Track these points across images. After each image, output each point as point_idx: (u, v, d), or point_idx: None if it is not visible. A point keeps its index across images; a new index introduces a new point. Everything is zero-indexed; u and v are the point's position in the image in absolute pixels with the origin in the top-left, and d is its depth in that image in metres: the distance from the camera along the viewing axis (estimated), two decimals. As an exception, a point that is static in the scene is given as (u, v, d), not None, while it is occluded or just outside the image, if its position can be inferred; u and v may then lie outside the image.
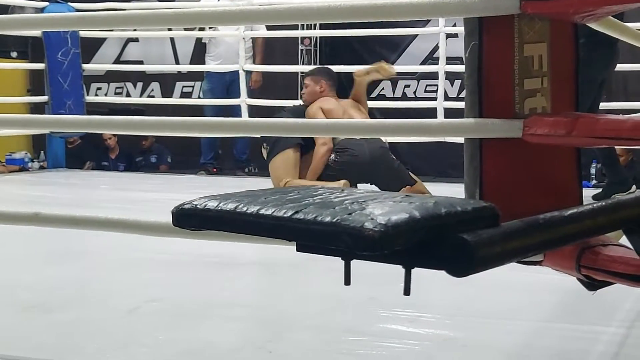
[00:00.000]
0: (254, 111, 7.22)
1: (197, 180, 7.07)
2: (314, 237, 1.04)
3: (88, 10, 7.40)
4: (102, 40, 8.81)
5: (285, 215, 1.06)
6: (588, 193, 2.71)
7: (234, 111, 7.40)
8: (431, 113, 6.64)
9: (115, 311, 2.86)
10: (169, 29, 8.50)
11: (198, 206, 1.14)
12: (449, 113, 6.53)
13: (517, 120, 2.10)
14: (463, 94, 6.86)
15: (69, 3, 7.36)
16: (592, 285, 2.17)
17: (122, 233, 2.49)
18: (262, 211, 1.09)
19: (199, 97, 8.38)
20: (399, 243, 1.02)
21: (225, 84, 7.52)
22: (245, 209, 1.10)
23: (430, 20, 7.60)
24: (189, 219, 1.15)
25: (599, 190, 5.74)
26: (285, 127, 2.38)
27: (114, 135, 8.23)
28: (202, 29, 7.48)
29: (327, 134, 2.71)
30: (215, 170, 7.62)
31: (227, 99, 7.43)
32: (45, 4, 7.33)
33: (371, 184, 5.12)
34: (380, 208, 1.06)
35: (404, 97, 8.11)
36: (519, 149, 2.16)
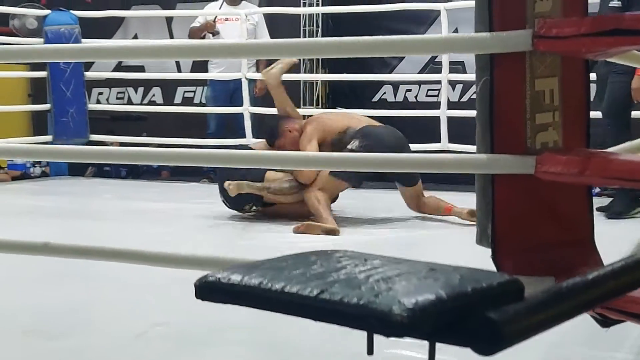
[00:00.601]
0: (257, 119, 7.20)
1: (199, 189, 7.07)
2: (341, 319, 1.04)
3: (89, 18, 7.41)
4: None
5: (311, 295, 1.06)
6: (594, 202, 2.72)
7: (237, 119, 7.39)
8: (434, 121, 6.64)
9: (119, 337, 2.84)
10: (171, 37, 8.52)
11: (222, 280, 1.13)
12: (452, 122, 6.53)
13: (529, 157, 2.10)
14: (464, 99, 6.90)
15: (71, 11, 7.33)
16: (605, 322, 2.17)
17: (130, 264, 2.47)
18: (287, 289, 1.08)
19: (201, 102, 8.37)
20: (426, 326, 1.02)
21: (229, 91, 7.50)
22: (270, 285, 1.10)
23: (432, 25, 7.61)
24: (213, 293, 1.14)
25: (603, 199, 5.74)
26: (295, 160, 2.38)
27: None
28: (204, 37, 7.45)
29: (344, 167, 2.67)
30: (211, 177, 7.62)
31: (231, 107, 7.40)
32: (47, 12, 7.31)
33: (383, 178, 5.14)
34: (407, 288, 1.06)
35: (405, 102, 8.09)
36: (531, 184, 2.16)
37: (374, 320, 1.00)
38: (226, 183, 5.03)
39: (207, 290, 1.16)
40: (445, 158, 2.18)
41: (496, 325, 1.04)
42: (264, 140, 5.52)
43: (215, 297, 1.15)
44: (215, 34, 7.37)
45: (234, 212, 5.44)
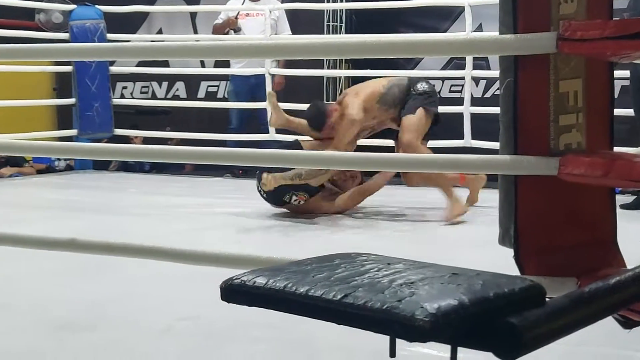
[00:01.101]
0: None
1: (223, 184, 7.10)
2: (365, 323, 1.06)
3: (114, 13, 7.46)
4: (127, 42, 8.85)
5: (334, 299, 1.08)
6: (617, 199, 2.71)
7: (260, 114, 7.42)
8: (457, 117, 6.63)
9: (147, 331, 2.88)
10: (195, 32, 8.55)
11: (247, 282, 1.15)
12: (475, 118, 6.52)
13: (552, 159, 2.11)
14: (488, 95, 6.86)
15: (96, 5, 7.38)
16: (626, 323, 2.18)
17: (156, 260, 2.50)
18: (312, 292, 1.10)
19: (224, 97, 8.40)
20: (449, 331, 1.03)
21: (250, 86, 7.53)
22: (294, 288, 1.12)
23: (456, 20, 7.59)
24: (238, 296, 1.17)
25: (626, 196, 5.71)
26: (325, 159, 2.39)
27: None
28: (227, 33, 7.49)
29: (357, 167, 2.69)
30: (241, 172, 7.65)
31: (252, 101, 7.43)
32: (73, 6, 7.37)
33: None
34: (429, 293, 1.08)
35: (429, 97, 8.07)
36: (553, 185, 2.17)
37: (397, 326, 1.02)
38: (264, 176, 5.00)
39: (232, 293, 1.18)
40: (470, 158, 2.19)
41: (517, 331, 1.06)
42: (310, 129, 5.46)
43: (240, 299, 1.17)
44: (237, 30, 7.41)
45: (258, 207, 5.48)
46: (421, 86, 5.24)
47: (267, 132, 7.12)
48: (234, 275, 1.19)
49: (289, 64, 7.28)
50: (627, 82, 7.16)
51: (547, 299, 1.20)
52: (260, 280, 1.16)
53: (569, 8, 2.13)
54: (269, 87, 7.11)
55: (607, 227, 2.33)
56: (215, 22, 7.59)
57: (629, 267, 2.37)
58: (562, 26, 2.03)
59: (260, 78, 7.28)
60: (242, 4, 7.43)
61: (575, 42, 1.98)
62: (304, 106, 7.08)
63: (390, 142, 5.65)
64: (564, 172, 2.07)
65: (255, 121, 7.62)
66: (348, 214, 5.20)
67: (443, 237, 4.73)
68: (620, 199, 4.69)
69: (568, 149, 2.18)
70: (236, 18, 7.38)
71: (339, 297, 1.08)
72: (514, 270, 2.20)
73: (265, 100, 7.16)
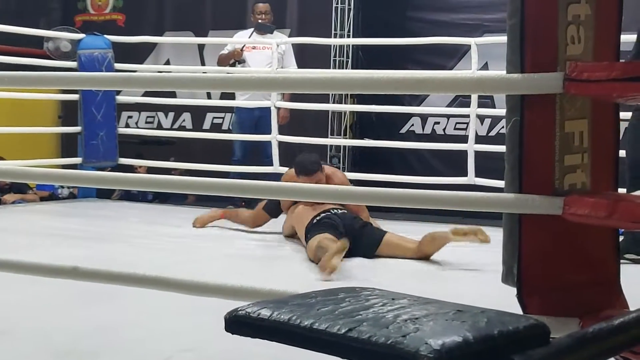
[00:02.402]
0: (283, 147, 7.25)
1: (225, 215, 7.10)
2: (369, 358, 1.06)
3: (122, 43, 7.51)
4: (134, 72, 8.90)
5: (339, 332, 1.08)
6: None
7: (264, 147, 7.45)
8: (461, 154, 6.65)
9: (147, 360, 2.88)
10: (202, 64, 8.61)
11: (251, 314, 1.15)
12: (479, 156, 6.54)
13: (557, 198, 2.11)
14: (493, 133, 6.86)
15: (105, 35, 7.44)
16: (629, 366, 2.17)
17: (158, 291, 2.50)
18: (316, 325, 1.10)
19: (229, 129, 8.45)
20: (452, 368, 1.03)
21: (254, 119, 7.58)
22: (299, 321, 1.12)
23: (462, 59, 7.64)
24: (242, 327, 1.17)
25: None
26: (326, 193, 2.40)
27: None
28: (233, 65, 7.55)
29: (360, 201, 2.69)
30: (243, 204, 7.65)
31: (256, 134, 7.47)
32: (82, 35, 7.42)
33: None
34: (434, 329, 1.08)
35: (433, 134, 8.12)
36: (557, 225, 2.17)
37: (402, 361, 1.02)
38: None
39: (237, 325, 1.18)
40: (474, 196, 2.20)
41: (521, 370, 1.06)
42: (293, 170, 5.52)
43: (245, 331, 1.17)
44: (241, 61, 7.48)
45: (260, 239, 5.49)
46: None
47: (272, 164, 7.15)
48: (239, 306, 1.20)
49: (294, 98, 7.32)
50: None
51: (551, 339, 1.21)
52: (265, 312, 1.16)
53: (576, 49, 2.15)
54: (274, 120, 7.14)
55: (610, 268, 2.33)
56: (220, 53, 7.67)
57: (631, 308, 2.37)
58: (569, 67, 2.05)
59: (264, 111, 7.33)
60: (250, 37, 7.49)
61: (582, 83, 2.00)
62: (309, 139, 7.15)
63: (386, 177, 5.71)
64: (568, 212, 2.08)
65: (258, 153, 7.65)
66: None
67: (445, 273, 4.72)
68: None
69: (572, 189, 2.19)
70: (242, 50, 7.44)
71: (343, 330, 1.08)
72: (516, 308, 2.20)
73: (267, 133, 7.19)
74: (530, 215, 2.18)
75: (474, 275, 4.52)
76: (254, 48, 7.52)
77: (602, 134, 2.24)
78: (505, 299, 2.24)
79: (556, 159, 2.17)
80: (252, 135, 7.49)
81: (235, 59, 7.50)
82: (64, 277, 2.57)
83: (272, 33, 7.51)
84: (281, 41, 7.38)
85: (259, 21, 7.49)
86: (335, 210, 5.05)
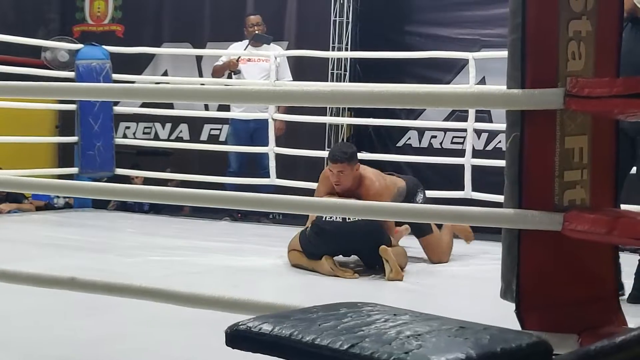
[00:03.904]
0: (280, 159, 7.24)
1: (221, 227, 7.10)
2: (371, 375, 1.05)
3: (120, 54, 7.51)
4: (132, 82, 8.88)
5: (341, 348, 1.07)
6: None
7: (259, 159, 7.46)
8: (458, 168, 6.65)
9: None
10: (200, 75, 8.60)
11: (252, 329, 1.15)
12: (476, 170, 6.53)
13: (557, 214, 2.11)
14: (490, 147, 6.85)
15: (103, 46, 7.44)
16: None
17: (154, 302, 2.48)
18: (318, 341, 1.09)
19: (226, 140, 8.44)
20: (455, 385, 1.02)
21: (249, 130, 7.59)
22: (300, 336, 1.11)
23: (459, 73, 7.65)
24: (243, 342, 1.16)
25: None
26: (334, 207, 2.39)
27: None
28: (229, 76, 7.56)
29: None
30: (240, 215, 7.64)
31: (251, 146, 7.48)
32: (80, 46, 7.42)
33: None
34: (437, 345, 1.07)
35: (430, 148, 8.11)
36: (557, 240, 2.17)
37: (405, 378, 1.01)
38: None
39: (238, 339, 1.17)
40: (474, 211, 2.19)
41: (524, 388, 1.05)
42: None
43: (246, 346, 1.16)
44: (236, 72, 7.50)
45: (256, 251, 5.49)
46: (420, 198, 5.44)
47: (268, 176, 7.14)
48: (240, 321, 1.19)
49: (291, 110, 7.32)
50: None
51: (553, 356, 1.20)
52: (266, 327, 1.15)
53: (577, 65, 2.15)
54: (272, 132, 7.13)
55: (609, 285, 2.32)
56: (215, 64, 7.69)
57: (629, 325, 2.36)
58: (570, 83, 2.05)
59: (260, 123, 7.33)
60: (245, 49, 7.51)
61: (583, 99, 2.00)
62: (306, 152, 7.14)
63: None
64: (568, 228, 2.07)
65: (254, 165, 7.65)
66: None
67: (445, 288, 4.72)
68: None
69: (572, 204, 2.19)
70: (237, 61, 7.46)
71: (345, 347, 1.08)
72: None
73: (263, 144, 7.19)
74: (529, 231, 2.18)
75: (472, 291, 4.52)
76: (249, 60, 7.54)
77: (602, 150, 2.24)
78: (503, 315, 2.23)
79: (556, 175, 2.17)
80: (249, 147, 7.48)
81: (230, 69, 7.52)
82: (62, 287, 2.56)
83: (269, 44, 7.52)
84: (278, 53, 7.38)
85: (256, 32, 7.50)
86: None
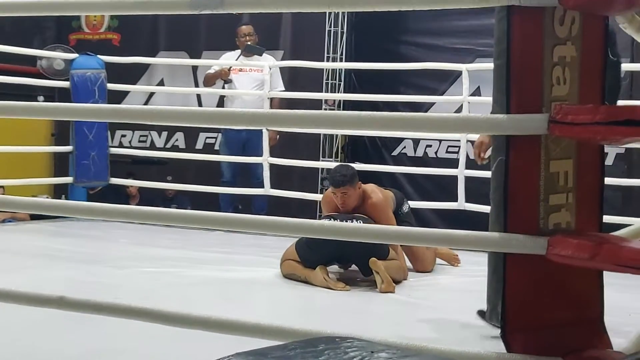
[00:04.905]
0: (274, 169, 7.25)
1: (215, 236, 7.08)
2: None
3: (115, 63, 7.52)
4: (126, 92, 8.89)
5: (316, 389, 1.08)
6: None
7: (253, 168, 7.48)
8: (452, 178, 6.67)
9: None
10: (196, 85, 8.63)
11: (230, 367, 1.16)
12: (469, 180, 6.54)
13: (541, 238, 2.13)
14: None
15: (98, 55, 7.45)
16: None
17: (144, 322, 2.49)
18: (294, 381, 1.11)
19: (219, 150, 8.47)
20: None
21: (241, 141, 7.60)
22: (276, 376, 1.12)
23: (454, 83, 7.67)
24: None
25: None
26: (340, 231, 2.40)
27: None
28: (223, 86, 7.59)
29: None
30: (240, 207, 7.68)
31: (243, 155, 7.50)
32: (75, 55, 7.43)
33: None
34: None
35: (425, 157, 8.15)
36: (543, 263, 2.18)
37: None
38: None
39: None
40: (460, 234, 2.21)
41: None
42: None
43: (222, 384, 1.17)
44: (228, 81, 7.54)
45: (249, 262, 5.48)
46: (406, 207, 5.56)
47: (263, 186, 7.16)
48: (219, 358, 1.20)
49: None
50: (622, 150, 7.23)
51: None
52: (243, 366, 1.16)
53: (562, 90, 2.17)
54: (266, 143, 7.14)
55: (594, 307, 2.34)
56: (207, 72, 7.73)
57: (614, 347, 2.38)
58: (554, 109, 2.06)
59: (252, 133, 7.35)
60: (237, 59, 7.54)
61: (566, 125, 2.01)
62: (301, 162, 7.15)
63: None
64: (552, 253, 2.09)
65: (247, 174, 7.67)
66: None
67: (438, 301, 4.72)
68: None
69: (557, 228, 2.21)
70: (229, 70, 7.49)
71: (320, 388, 1.09)
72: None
73: (256, 155, 7.21)
74: (515, 254, 2.20)
75: (466, 304, 4.51)
76: (240, 70, 7.57)
77: (587, 173, 2.26)
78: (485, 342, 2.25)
79: (541, 199, 2.19)
80: (244, 157, 7.50)
81: (222, 78, 7.56)
82: (51, 306, 2.56)
83: (261, 55, 7.54)
84: (273, 64, 7.40)
85: (248, 43, 7.52)
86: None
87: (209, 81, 7.69)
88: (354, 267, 5.09)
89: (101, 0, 2.57)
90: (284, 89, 7.47)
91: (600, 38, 2.21)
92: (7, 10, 2.90)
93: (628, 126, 1.88)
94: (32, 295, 2.59)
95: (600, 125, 1.93)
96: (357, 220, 4.92)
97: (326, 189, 7.10)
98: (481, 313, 3.53)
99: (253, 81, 7.46)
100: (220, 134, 8.56)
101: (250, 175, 7.60)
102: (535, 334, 2.24)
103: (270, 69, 7.27)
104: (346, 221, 4.87)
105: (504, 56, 2.11)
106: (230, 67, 7.51)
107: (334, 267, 5.03)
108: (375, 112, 2.14)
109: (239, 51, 7.58)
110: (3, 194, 7.86)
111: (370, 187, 5.29)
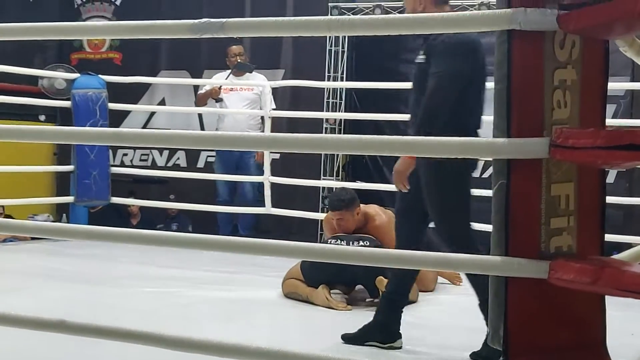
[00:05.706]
0: (276, 188, 7.24)
1: (217, 255, 7.05)
2: None
3: (117, 83, 7.53)
4: (127, 111, 8.89)
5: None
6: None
7: (240, 187, 7.53)
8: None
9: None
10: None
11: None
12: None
13: (543, 262, 2.12)
14: (486, 175, 6.84)
15: (100, 75, 7.46)
16: None
17: (144, 346, 2.49)
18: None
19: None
20: None
21: (234, 159, 7.63)
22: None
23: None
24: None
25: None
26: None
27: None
28: (217, 105, 7.65)
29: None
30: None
31: (236, 173, 7.56)
32: (77, 75, 7.44)
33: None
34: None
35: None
36: (544, 287, 2.18)
37: None
38: None
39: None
40: (460, 258, 2.20)
41: None
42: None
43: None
44: (218, 100, 7.59)
45: (249, 281, 5.48)
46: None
47: (248, 205, 7.22)
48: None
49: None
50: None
51: None
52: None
53: (563, 113, 2.17)
54: (267, 162, 7.14)
55: (596, 330, 2.33)
56: (198, 92, 7.82)
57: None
58: (555, 133, 2.06)
59: (244, 151, 7.36)
60: (226, 79, 7.58)
61: (567, 149, 2.01)
62: (302, 181, 7.15)
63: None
64: (554, 277, 2.08)
65: (239, 193, 7.73)
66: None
67: (443, 321, 4.70)
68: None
69: (559, 251, 2.20)
70: (220, 89, 7.54)
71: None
72: None
73: (246, 172, 7.24)
74: (517, 278, 2.19)
75: (469, 324, 4.50)
76: (231, 90, 7.61)
77: (589, 196, 2.25)
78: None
79: (542, 222, 2.18)
80: (243, 176, 7.50)
81: (213, 97, 7.63)
82: (52, 330, 2.56)
83: (251, 72, 7.58)
84: (265, 84, 7.42)
85: (239, 60, 7.57)
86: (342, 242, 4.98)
87: (200, 101, 7.82)
88: (360, 287, 5.07)
89: (103, 24, 2.58)
90: (275, 108, 7.46)
91: (601, 61, 2.21)
92: (9, 34, 2.90)
93: (630, 150, 1.87)
94: (33, 319, 2.58)
95: (601, 149, 1.93)
96: (363, 241, 4.93)
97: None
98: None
99: (243, 100, 7.53)
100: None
101: (241, 194, 7.67)
102: (537, 357, 2.23)
103: (263, 88, 7.32)
104: (353, 242, 4.88)
105: (505, 80, 2.11)
106: (221, 86, 7.55)
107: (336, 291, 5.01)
108: (375, 136, 2.14)
109: (228, 71, 7.63)
110: (2, 213, 7.88)
111: (374, 209, 5.30)
